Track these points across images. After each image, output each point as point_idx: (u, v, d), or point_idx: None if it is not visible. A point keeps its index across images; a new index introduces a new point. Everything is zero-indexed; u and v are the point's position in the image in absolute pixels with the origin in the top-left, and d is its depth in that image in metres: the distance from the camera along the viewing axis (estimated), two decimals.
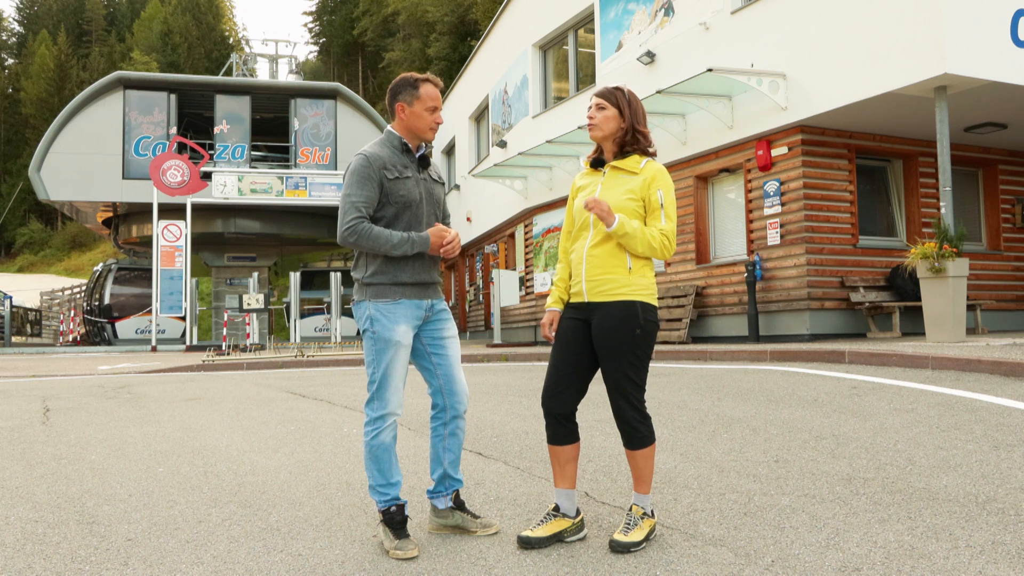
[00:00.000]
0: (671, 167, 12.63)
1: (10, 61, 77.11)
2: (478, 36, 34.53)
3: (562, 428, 2.96)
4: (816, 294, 10.34)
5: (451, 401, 3.11)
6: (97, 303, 25.74)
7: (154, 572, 2.73)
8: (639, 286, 2.90)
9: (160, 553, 2.92)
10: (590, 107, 3.03)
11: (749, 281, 10.69)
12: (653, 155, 3.03)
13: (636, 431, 2.89)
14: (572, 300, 3.02)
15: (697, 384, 6.78)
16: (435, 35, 48.09)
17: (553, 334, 3.04)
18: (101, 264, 29.48)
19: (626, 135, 2.99)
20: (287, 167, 26.40)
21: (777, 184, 10.76)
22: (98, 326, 25.63)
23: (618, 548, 2.76)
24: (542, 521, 2.92)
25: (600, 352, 2.91)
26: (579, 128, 12.91)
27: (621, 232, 2.85)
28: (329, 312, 22.78)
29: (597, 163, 3.07)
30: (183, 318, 24.03)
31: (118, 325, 25.10)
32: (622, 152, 3.00)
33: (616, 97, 3.00)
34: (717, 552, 2.74)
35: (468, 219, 21.89)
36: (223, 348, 17.39)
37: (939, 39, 8.47)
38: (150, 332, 23.76)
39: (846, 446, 4.13)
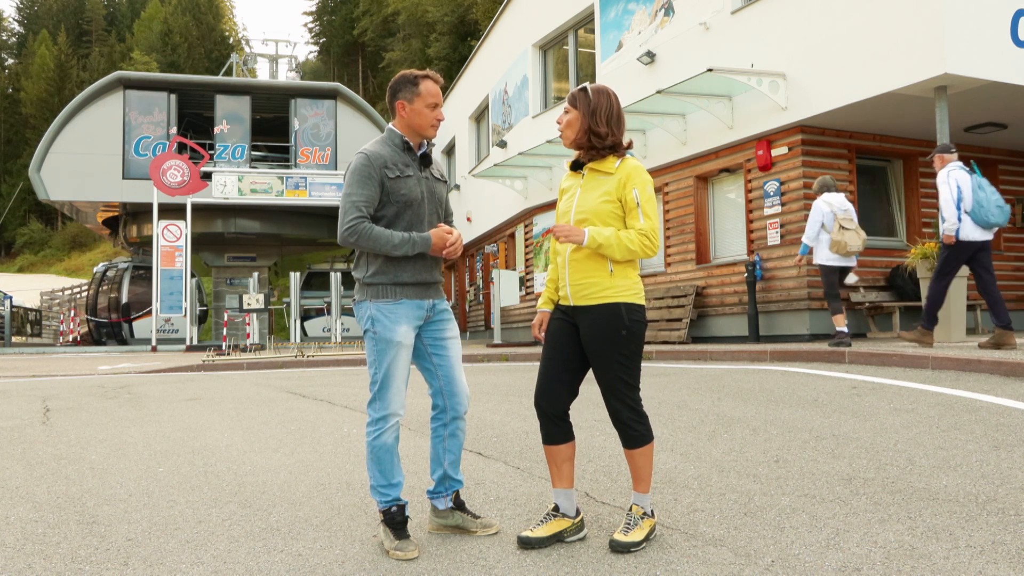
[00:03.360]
0: (671, 167, 12.63)
1: (10, 61, 77.15)
2: (478, 36, 34.53)
3: (556, 428, 2.95)
4: (816, 294, 10.33)
5: (451, 402, 3.11)
6: (113, 302, 25.75)
7: (154, 572, 2.73)
8: (621, 287, 2.88)
9: (160, 553, 2.92)
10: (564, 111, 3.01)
11: (749, 281, 10.69)
12: (624, 152, 2.94)
13: (633, 431, 2.88)
14: (561, 302, 3.01)
15: (697, 384, 6.78)
16: (435, 35, 48.11)
17: (543, 334, 3.05)
18: (102, 264, 29.47)
19: (585, 136, 2.94)
20: (287, 167, 26.41)
21: (777, 184, 10.76)
22: (115, 325, 25.63)
23: (618, 548, 2.76)
24: (542, 521, 2.92)
25: (590, 356, 2.91)
26: None
27: (595, 245, 2.82)
28: (330, 312, 22.81)
29: (576, 165, 3.04)
30: (199, 319, 24.03)
31: (135, 324, 25.12)
32: (597, 152, 2.94)
33: (576, 98, 2.94)
34: (717, 552, 2.74)
35: (468, 219, 21.90)
36: (223, 348, 17.39)
37: (939, 39, 8.47)
38: (164, 331, 23.73)
39: (846, 446, 4.13)
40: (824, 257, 8.43)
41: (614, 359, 2.85)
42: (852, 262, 8.43)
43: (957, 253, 7.32)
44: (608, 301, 2.86)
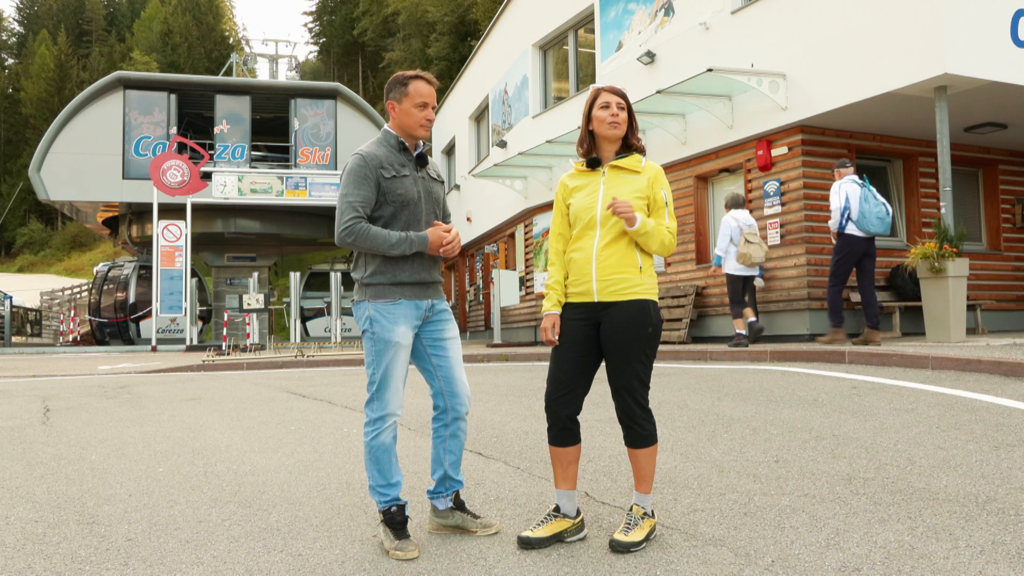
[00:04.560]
0: (671, 167, 12.63)
1: (10, 61, 77.14)
2: (478, 36, 34.53)
3: (567, 431, 2.95)
4: (816, 294, 10.33)
5: (452, 403, 3.10)
6: (119, 302, 25.73)
7: (154, 572, 2.73)
8: (648, 285, 2.94)
9: (160, 553, 2.92)
10: (607, 104, 2.97)
11: None
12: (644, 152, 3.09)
13: (643, 429, 2.89)
14: (574, 300, 2.97)
15: (697, 384, 6.78)
16: (435, 35, 48.13)
17: (557, 337, 2.98)
18: (103, 263, 29.45)
19: (629, 132, 3.02)
20: (287, 167, 26.39)
21: (777, 184, 10.76)
22: (120, 325, 25.61)
23: (618, 548, 2.76)
24: (542, 521, 2.92)
25: (612, 351, 2.89)
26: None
27: (643, 231, 2.87)
28: (330, 313, 22.81)
29: (594, 163, 3.03)
30: (203, 319, 23.88)
31: (142, 324, 25.12)
32: (624, 151, 3.01)
33: (627, 98, 3.03)
34: (717, 552, 2.74)
35: (468, 219, 21.89)
36: (223, 348, 17.38)
37: (939, 39, 8.46)
38: (170, 331, 23.66)
39: (846, 446, 4.13)
40: (731, 268, 9.57)
41: (637, 356, 2.87)
42: (756, 272, 9.73)
43: (847, 253, 8.52)
44: (638, 297, 2.90)
